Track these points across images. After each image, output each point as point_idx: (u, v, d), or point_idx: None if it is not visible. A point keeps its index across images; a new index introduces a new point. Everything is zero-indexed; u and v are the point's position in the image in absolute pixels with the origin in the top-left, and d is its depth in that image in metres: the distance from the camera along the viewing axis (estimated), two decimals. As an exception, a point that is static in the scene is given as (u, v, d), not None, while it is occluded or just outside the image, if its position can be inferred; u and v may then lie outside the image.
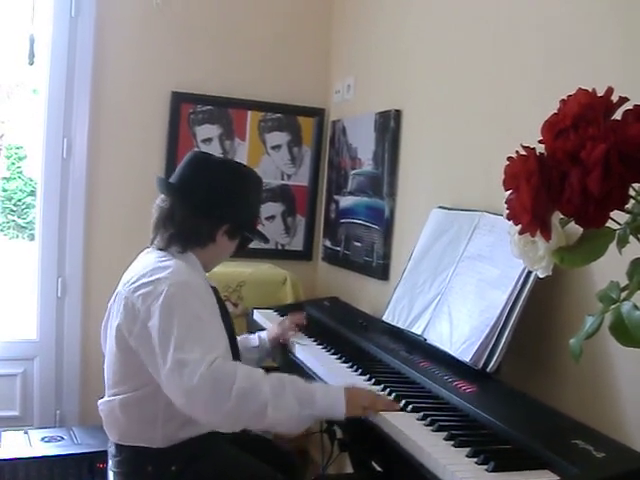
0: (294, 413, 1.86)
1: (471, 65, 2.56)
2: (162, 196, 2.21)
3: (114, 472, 2.15)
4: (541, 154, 0.95)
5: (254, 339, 2.61)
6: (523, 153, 0.96)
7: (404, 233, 3.01)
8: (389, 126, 3.10)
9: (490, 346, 2.01)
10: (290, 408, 1.86)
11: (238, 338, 2.39)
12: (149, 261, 2.10)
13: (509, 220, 0.99)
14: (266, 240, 2.41)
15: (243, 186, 2.25)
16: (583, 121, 0.92)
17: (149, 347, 1.93)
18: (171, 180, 2.26)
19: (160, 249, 2.15)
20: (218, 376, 1.82)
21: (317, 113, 3.87)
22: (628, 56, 1.81)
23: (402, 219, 3.05)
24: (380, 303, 2.85)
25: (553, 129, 0.94)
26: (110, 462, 2.18)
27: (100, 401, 2.17)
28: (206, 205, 2.16)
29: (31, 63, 3.31)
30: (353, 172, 3.47)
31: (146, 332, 1.93)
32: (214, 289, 2.18)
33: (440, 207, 2.56)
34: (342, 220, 3.58)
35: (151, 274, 2.01)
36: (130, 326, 1.98)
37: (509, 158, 0.98)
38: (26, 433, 3.18)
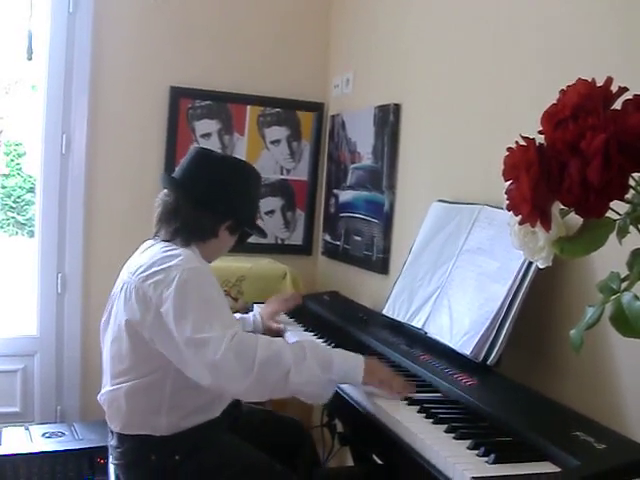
0: (315, 377, 1.91)
1: (470, 59, 2.55)
2: (165, 191, 2.24)
3: (116, 464, 2.16)
4: (541, 144, 0.95)
5: (248, 321, 2.69)
6: (523, 143, 0.96)
7: (404, 227, 3.00)
8: (388, 120, 3.09)
9: (490, 339, 2.01)
10: (311, 372, 1.90)
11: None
12: (155, 251, 2.12)
13: (509, 211, 0.99)
14: (264, 235, 2.43)
15: (245, 182, 2.30)
16: (582, 111, 0.92)
17: (165, 333, 1.95)
18: (174, 175, 2.30)
19: (164, 241, 2.17)
20: (240, 348, 1.87)
21: (316, 107, 3.86)
22: (628, 56, 1.80)
23: (402, 213, 3.05)
24: (380, 297, 2.85)
25: (552, 119, 0.94)
26: (111, 455, 2.19)
27: (102, 391, 2.18)
28: (210, 200, 2.20)
29: (29, 58, 3.31)
30: (352, 166, 3.47)
31: (160, 319, 1.96)
32: None
33: (440, 201, 2.56)
34: (342, 214, 3.58)
35: (161, 262, 2.04)
36: (144, 315, 2.00)
37: (509, 149, 0.98)
38: (27, 429, 3.17)
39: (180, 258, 2.04)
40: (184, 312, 1.92)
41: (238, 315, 2.68)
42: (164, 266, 2.02)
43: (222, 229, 2.23)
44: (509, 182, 0.98)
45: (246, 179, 2.31)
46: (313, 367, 1.90)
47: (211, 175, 2.24)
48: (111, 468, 2.21)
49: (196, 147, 2.42)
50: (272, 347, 1.91)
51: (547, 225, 0.95)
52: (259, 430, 2.38)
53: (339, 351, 2.03)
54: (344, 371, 1.94)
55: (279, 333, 2.61)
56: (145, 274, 2.03)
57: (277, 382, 1.89)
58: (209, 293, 2.00)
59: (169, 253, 2.08)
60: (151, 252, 2.14)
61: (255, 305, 3.05)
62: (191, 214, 2.17)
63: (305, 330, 2.62)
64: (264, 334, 2.62)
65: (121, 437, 2.13)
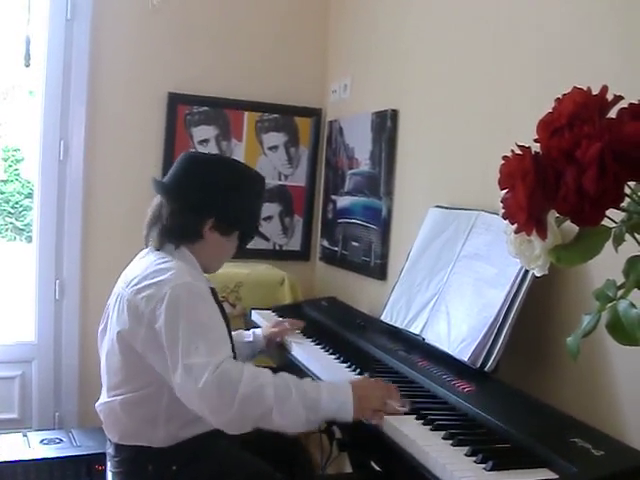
0: (300, 418, 1.86)
1: (469, 64, 2.56)
2: (157, 196, 2.23)
3: (114, 472, 2.15)
4: (537, 153, 0.95)
5: (248, 335, 2.63)
6: (518, 152, 0.96)
7: (401, 233, 3.01)
8: (386, 126, 3.10)
9: (488, 345, 2.01)
10: (295, 413, 1.85)
11: (232, 334, 2.39)
12: (149, 262, 2.10)
13: (505, 219, 0.99)
14: (264, 237, 2.40)
15: (229, 179, 2.23)
16: (578, 120, 0.92)
17: (158, 349, 1.94)
18: (163, 180, 2.28)
19: (157, 249, 2.15)
20: (222, 382, 1.82)
21: (314, 113, 3.86)
22: (628, 56, 1.81)
23: (399, 219, 3.05)
24: (378, 303, 2.85)
25: (548, 128, 0.94)
26: (109, 463, 2.19)
27: (99, 402, 2.17)
28: (189, 200, 2.17)
29: (27, 65, 3.30)
30: (350, 172, 3.47)
31: (153, 334, 1.95)
32: (212, 290, 2.17)
33: (437, 206, 2.56)
34: (339, 220, 3.58)
35: (153, 276, 2.02)
36: (135, 329, 1.99)
37: (504, 157, 0.98)
38: (25, 435, 3.17)
39: (172, 272, 2.01)
40: (175, 333, 1.90)
41: (237, 332, 2.63)
42: (155, 280, 2.00)
43: (206, 229, 2.17)
44: (505, 190, 0.98)
45: (229, 176, 2.23)
46: (297, 407, 1.84)
47: (192, 175, 2.20)
48: (109, 475, 2.21)
49: (185, 152, 2.38)
50: (255, 384, 1.84)
51: (543, 234, 0.95)
52: (257, 439, 2.37)
53: (329, 386, 1.92)
54: (332, 411, 1.86)
55: (284, 345, 2.58)
56: (137, 287, 2.02)
57: (259, 419, 1.85)
58: (200, 312, 1.97)
59: (161, 266, 2.05)
60: (145, 263, 2.12)
61: (253, 311, 3.05)
62: (173, 215, 2.14)
63: (303, 336, 2.61)
64: (268, 348, 2.61)
65: (118, 447, 2.13)
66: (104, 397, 2.16)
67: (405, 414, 1.79)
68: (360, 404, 1.85)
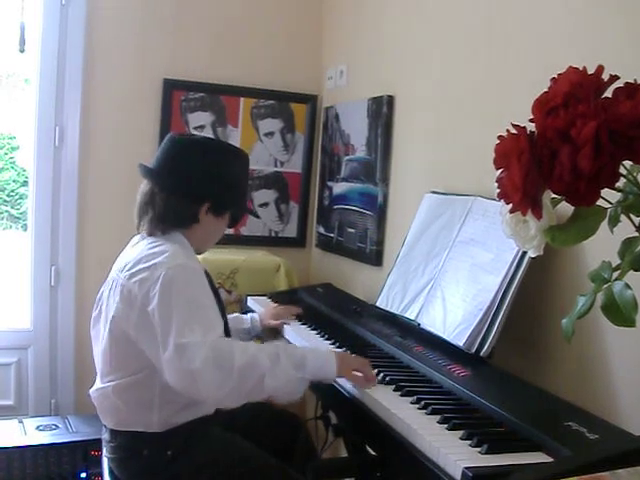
0: (290, 378, 1.91)
1: (464, 50, 2.55)
2: (145, 181, 2.21)
3: (109, 458, 2.16)
4: (532, 132, 0.95)
5: (246, 321, 2.65)
6: (514, 132, 0.96)
7: (397, 219, 3.00)
8: (382, 112, 3.09)
9: (483, 330, 2.01)
10: (286, 374, 1.90)
11: (229, 316, 2.39)
12: (142, 247, 2.09)
13: (500, 199, 0.99)
14: (252, 213, 2.39)
15: (218, 161, 2.22)
16: (573, 99, 0.92)
17: (150, 333, 1.93)
18: (151, 166, 2.25)
19: (150, 235, 2.14)
20: (219, 357, 1.84)
21: (310, 99, 3.85)
22: (628, 55, 1.79)
23: (395, 205, 3.04)
24: (374, 289, 2.85)
25: (544, 107, 0.94)
26: (105, 448, 2.19)
27: (92, 389, 2.17)
28: (184, 185, 2.16)
29: (22, 50, 3.29)
30: (346, 158, 3.47)
31: (146, 318, 1.94)
32: (206, 273, 2.17)
33: (433, 192, 2.56)
34: (335, 206, 3.58)
35: (147, 260, 2.01)
36: (128, 313, 1.98)
37: (500, 137, 0.98)
38: (21, 422, 3.18)
39: (166, 255, 2.01)
40: (169, 313, 1.89)
41: (233, 315, 2.65)
42: (149, 263, 1.99)
43: (202, 213, 2.17)
44: (500, 170, 0.98)
45: (220, 158, 2.23)
46: (287, 368, 1.91)
47: (181, 160, 2.18)
48: (105, 461, 2.21)
49: (169, 134, 2.35)
50: (248, 352, 1.89)
51: (538, 213, 0.94)
52: (253, 425, 2.37)
53: (311, 348, 2.07)
54: (317, 367, 1.95)
55: (279, 330, 2.59)
56: (131, 272, 2.01)
57: (254, 387, 1.88)
58: (193, 293, 1.97)
59: (155, 250, 2.04)
60: (138, 249, 2.11)
61: (249, 297, 3.05)
62: (167, 201, 2.13)
63: (299, 322, 2.61)
64: (263, 332, 2.63)
65: (114, 432, 2.13)
66: (98, 383, 2.16)
67: (401, 396, 1.81)
68: (342, 363, 1.96)
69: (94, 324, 2.18)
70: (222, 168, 2.22)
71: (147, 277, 1.96)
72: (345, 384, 1.98)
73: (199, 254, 2.26)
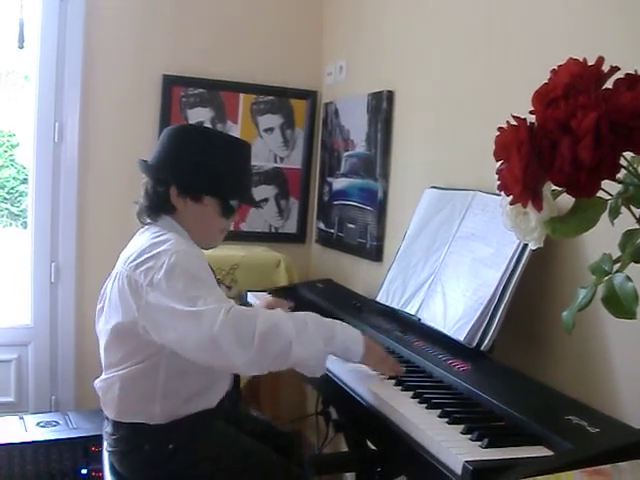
0: (318, 349, 1.87)
1: (464, 45, 2.54)
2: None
3: (110, 452, 2.15)
4: (532, 124, 0.94)
5: None
6: (514, 123, 0.96)
7: (397, 214, 3.00)
8: (381, 107, 3.09)
9: (484, 324, 2.01)
10: (315, 342, 1.87)
11: None
12: (146, 238, 2.09)
13: (500, 191, 0.98)
14: (254, 203, 2.41)
15: (186, 143, 2.20)
16: (574, 90, 0.91)
17: (157, 318, 1.92)
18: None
19: (142, 222, 2.18)
20: (239, 320, 1.82)
21: (310, 95, 3.85)
22: (628, 55, 1.79)
23: (395, 200, 3.04)
24: (374, 284, 2.85)
25: (544, 99, 0.94)
26: (106, 442, 2.18)
27: (98, 379, 2.17)
28: (154, 169, 2.18)
29: (21, 47, 3.29)
30: (346, 154, 3.46)
31: (154, 304, 1.92)
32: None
33: (433, 187, 2.55)
34: (335, 202, 3.57)
35: (150, 250, 2.01)
36: (136, 303, 1.96)
37: (499, 128, 0.97)
38: (21, 418, 3.18)
39: (170, 242, 2.01)
40: (176, 291, 1.88)
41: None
42: (154, 252, 1.99)
43: (174, 197, 2.14)
44: (500, 162, 0.97)
45: (187, 139, 2.21)
46: (316, 339, 1.86)
47: (161, 146, 2.21)
48: (105, 456, 2.20)
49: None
50: (272, 319, 1.86)
51: (539, 205, 0.94)
52: (255, 422, 2.38)
53: (340, 324, 1.97)
54: (346, 346, 1.91)
55: None
56: (135, 262, 2.00)
57: (279, 354, 1.83)
58: (198, 271, 1.96)
59: (158, 239, 2.04)
60: (141, 240, 2.11)
61: (249, 293, 3.05)
62: (146, 188, 2.17)
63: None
64: None
65: (116, 424, 2.12)
66: (103, 375, 2.16)
67: (401, 391, 1.81)
68: (368, 347, 1.93)
69: (98, 316, 2.18)
70: (186, 149, 2.18)
71: (152, 266, 1.95)
72: (345, 378, 1.98)
73: (205, 250, 2.23)
